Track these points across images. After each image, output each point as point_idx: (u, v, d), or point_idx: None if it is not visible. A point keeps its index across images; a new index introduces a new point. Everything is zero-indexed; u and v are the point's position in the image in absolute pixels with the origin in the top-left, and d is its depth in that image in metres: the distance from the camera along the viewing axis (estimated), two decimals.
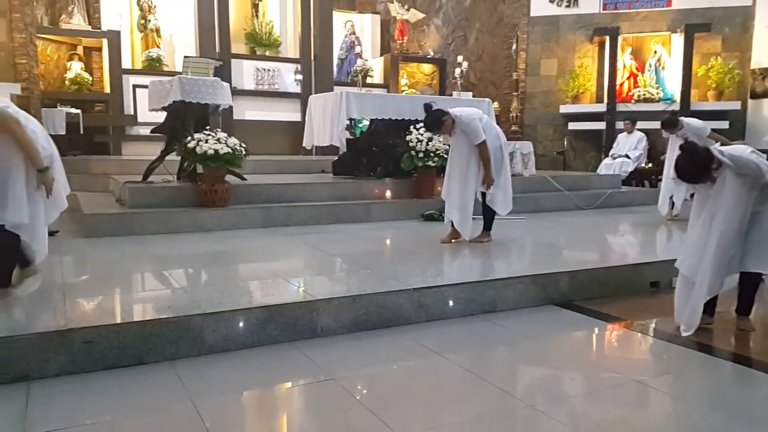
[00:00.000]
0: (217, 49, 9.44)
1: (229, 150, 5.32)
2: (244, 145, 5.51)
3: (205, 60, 6.51)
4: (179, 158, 5.90)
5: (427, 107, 4.75)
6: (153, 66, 9.50)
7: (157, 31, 9.76)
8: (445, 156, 6.29)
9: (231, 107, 7.06)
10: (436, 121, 4.65)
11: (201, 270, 3.92)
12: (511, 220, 6.23)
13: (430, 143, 6.25)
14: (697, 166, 3.03)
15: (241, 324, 2.84)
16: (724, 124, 9.95)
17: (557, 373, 2.80)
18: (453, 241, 4.88)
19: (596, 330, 3.42)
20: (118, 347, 2.60)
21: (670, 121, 6.10)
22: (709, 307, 3.25)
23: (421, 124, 6.36)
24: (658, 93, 10.73)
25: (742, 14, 10.44)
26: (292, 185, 6.20)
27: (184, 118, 5.83)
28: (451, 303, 3.41)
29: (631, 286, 4.05)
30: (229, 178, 5.69)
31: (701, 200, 3.18)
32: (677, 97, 10.58)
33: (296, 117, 9.79)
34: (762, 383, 2.64)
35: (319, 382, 2.53)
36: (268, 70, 10.05)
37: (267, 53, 10.25)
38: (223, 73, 8.27)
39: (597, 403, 2.43)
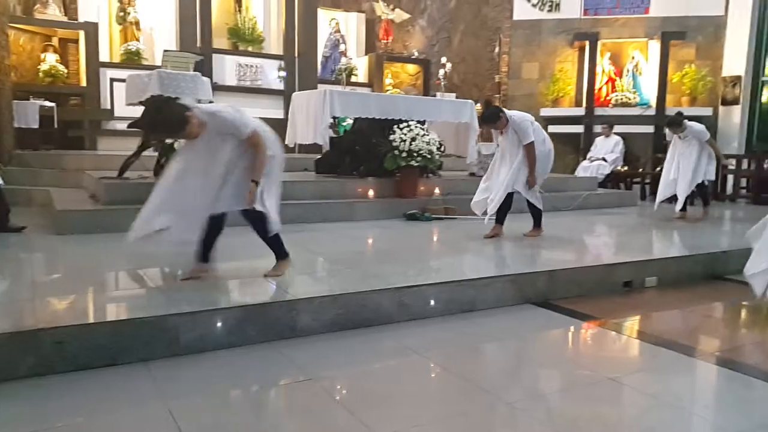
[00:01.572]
0: (198, 44, 9.32)
1: None
2: None
3: (186, 54, 6.42)
4: (156, 154, 5.80)
5: (488, 103, 4.97)
6: (132, 59, 9.34)
7: (137, 24, 9.61)
8: (428, 156, 6.32)
9: (212, 103, 6.96)
10: (494, 115, 4.95)
11: (177, 268, 3.84)
12: (491, 219, 6.25)
13: (413, 143, 6.24)
14: None
15: (218, 324, 2.80)
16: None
17: (534, 371, 2.84)
18: (495, 236, 5.11)
19: (572, 328, 3.47)
20: (89, 348, 2.54)
21: (676, 122, 6.50)
22: None
23: (405, 124, 6.39)
24: (634, 98, 10.89)
25: (714, 24, 10.64)
26: None
27: None
28: (431, 302, 3.41)
29: (605, 286, 4.11)
30: None
31: None
32: (653, 102, 10.75)
33: (279, 114, 9.71)
34: (731, 380, 2.67)
35: (298, 383, 2.50)
36: (251, 66, 9.95)
37: (250, 49, 10.15)
38: (204, 68, 8.17)
39: (572, 400, 2.45)
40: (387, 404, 2.32)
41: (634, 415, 2.36)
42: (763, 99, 10.57)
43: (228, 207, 3.26)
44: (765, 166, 9.22)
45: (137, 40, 9.56)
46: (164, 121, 3.07)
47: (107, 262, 3.98)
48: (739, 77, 10.48)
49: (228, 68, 9.79)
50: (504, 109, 5.01)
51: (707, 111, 10.42)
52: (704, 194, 6.94)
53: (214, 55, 9.59)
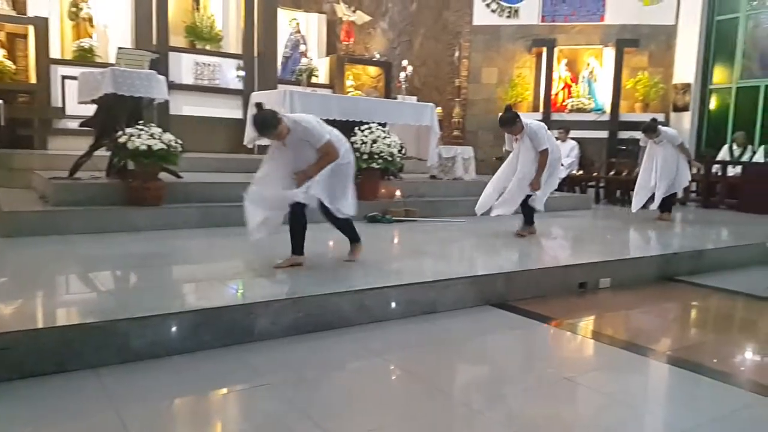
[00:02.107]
0: (154, 42, 9.10)
1: (164, 146, 5.13)
2: (180, 142, 5.32)
3: (141, 52, 6.26)
4: (109, 153, 5.65)
5: (508, 108, 5.48)
6: (84, 57, 9.05)
7: (90, 20, 9.32)
8: (389, 158, 6.32)
9: (167, 101, 6.82)
10: (511, 119, 5.28)
11: (130, 272, 3.75)
12: (451, 222, 6.30)
13: (374, 145, 6.23)
14: None
15: (171, 329, 2.72)
16: (640, 136, 10.42)
17: (493, 372, 2.87)
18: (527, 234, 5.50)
19: (529, 329, 3.52)
20: (36, 354, 2.44)
21: (651, 127, 6.87)
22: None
23: (366, 126, 6.38)
24: (590, 103, 11.16)
25: (666, 33, 10.99)
26: (231, 184, 6.01)
27: (116, 112, 5.58)
28: (392, 305, 3.40)
29: (561, 287, 4.19)
30: (163, 175, 5.48)
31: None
32: (607, 107, 11.03)
33: (237, 114, 9.55)
34: (682, 379, 2.75)
35: (255, 388, 2.45)
36: (209, 64, 9.77)
37: (208, 47, 9.95)
38: (160, 66, 7.97)
39: (530, 400, 2.48)
40: (346, 408, 2.30)
41: (590, 413, 2.40)
42: (711, 106, 10.96)
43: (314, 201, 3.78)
44: (713, 171, 9.54)
45: (90, 36, 9.27)
46: (262, 120, 3.56)
47: (57, 265, 3.84)
48: (688, 85, 10.84)
49: (185, 67, 9.58)
50: (520, 117, 5.31)
51: (659, 117, 10.73)
52: (671, 200, 7.30)
53: (171, 54, 9.37)
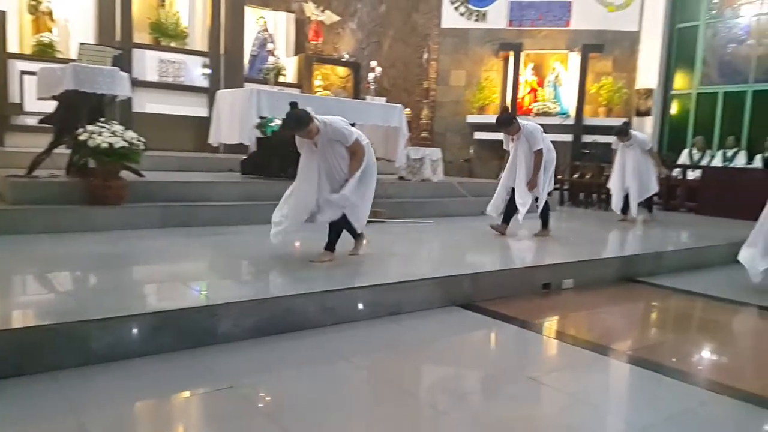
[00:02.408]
0: (118, 38, 8.91)
1: (126, 144, 5.02)
2: (143, 140, 5.21)
3: (103, 48, 6.11)
4: (69, 151, 5.50)
5: (504, 109, 5.87)
6: (44, 52, 8.80)
7: (50, 14, 9.07)
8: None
9: (130, 99, 6.69)
10: (507, 120, 5.53)
11: (90, 273, 3.65)
12: (418, 223, 6.32)
13: None
14: None
15: (131, 331, 2.66)
16: (613, 139, 10.63)
17: (459, 373, 2.88)
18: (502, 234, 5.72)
19: (494, 329, 3.55)
20: None
21: (623, 131, 7.17)
22: None
23: None
24: (555, 107, 11.33)
25: (629, 38, 11.24)
26: (196, 183, 5.95)
27: (77, 109, 5.43)
28: (358, 306, 3.39)
29: (526, 288, 4.24)
30: (125, 174, 5.36)
31: None
32: (572, 112, 11.21)
33: (203, 112, 9.41)
34: (642, 378, 2.80)
35: (217, 391, 2.41)
36: (174, 62, 9.60)
37: (173, 44, 9.79)
38: (124, 62, 7.80)
39: (495, 400, 2.52)
40: (311, 411, 2.28)
41: (554, 413, 2.43)
42: (673, 111, 11.24)
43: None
44: (674, 174, 9.78)
45: (50, 31, 9.03)
46: (296, 117, 3.77)
47: (13, 265, 3.72)
48: (651, 90, 11.10)
49: (149, 64, 9.40)
50: (517, 118, 5.55)
51: (622, 121, 10.95)
52: (649, 204, 7.62)
53: (135, 50, 9.19)
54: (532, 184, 5.56)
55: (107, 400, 2.29)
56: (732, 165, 9.69)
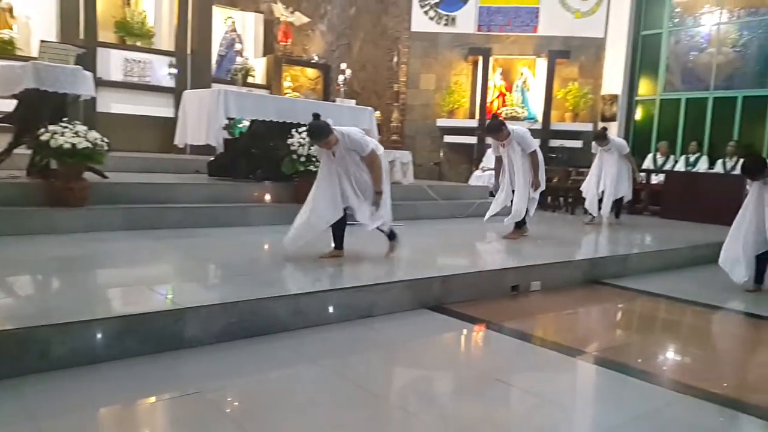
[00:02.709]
0: (82, 36, 8.72)
1: (89, 144, 4.90)
2: (106, 140, 5.10)
3: (66, 46, 5.97)
4: (30, 152, 5.35)
5: (494, 116, 6.13)
6: (4, 49, 8.56)
7: (10, 10, 8.83)
8: None
9: (94, 99, 6.54)
10: (497, 126, 5.67)
11: (52, 276, 3.55)
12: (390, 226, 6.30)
13: (312, 148, 6.17)
14: (763, 166, 4.54)
15: (94, 336, 2.59)
16: (578, 144, 10.87)
17: (428, 375, 2.89)
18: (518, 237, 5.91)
19: (464, 331, 3.57)
20: None
21: (602, 135, 7.40)
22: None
23: (303, 128, 6.31)
24: (523, 112, 11.46)
25: (595, 45, 11.45)
26: (161, 185, 5.84)
27: (38, 108, 5.29)
28: (329, 309, 3.37)
29: (495, 290, 4.27)
30: (88, 175, 5.23)
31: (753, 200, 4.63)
32: (539, 116, 11.36)
33: (169, 113, 9.26)
34: (608, 378, 2.85)
35: (183, 396, 2.36)
36: (139, 61, 9.44)
37: (138, 44, 9.63)
38: (87, 61, 7.64)
39: (464, 402, 2.52)
40: (279, 415, 2.25)
41: (522, 414, 2.45)
42: (637, 117, 11.48)
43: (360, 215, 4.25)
44: (638, 179, 9.97)
45: (10, 28, 8.79)
46: (318, 128, 4.04)
47: None
48: (616, 96, 11.32)
49: (114, 63, 9.22)
50: (506, 124, 5.68)
51: (588, 126, 11.18)
52: (618, 205, 7.81)
53: (99, 49, 9.00)
54: (536, 184, 5.76)
55: (69, 406, 2.22)
56: (694, 169, 9.94)
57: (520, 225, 5.99)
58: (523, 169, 5.72)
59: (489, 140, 6.10)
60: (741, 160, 9.33)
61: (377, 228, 4.38)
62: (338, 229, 4.35)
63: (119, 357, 2.63)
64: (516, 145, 5.68)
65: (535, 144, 5.75)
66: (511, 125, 5.77)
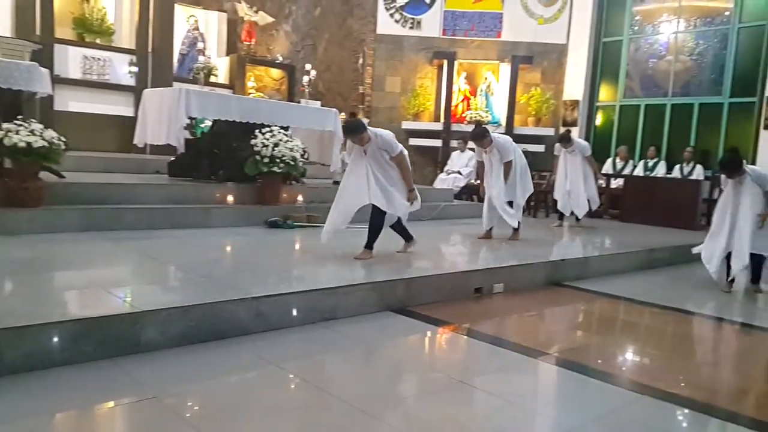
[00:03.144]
0: (38, 32, 8.47)
1: (45, 143, 4.76)
2: (64, 139, 4.96)
3: (21, 42, 5.82)
4: None
5: (478, 123, 6.63)
6: None
7: None
8: (291, 163, 6.24)
9: (51, 96, 6.36)
10: (481, 134, 5.94)
11: (5, 279, 3.43)
12: (354, 228, 6.30)
13: (276, 149, 6.11)
14: (740, 165, 4.80)
15: (50, 339, 2.51)
16: (541, 148, 11.04)
17: (391, 377, 2.88)
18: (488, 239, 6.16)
19: (428, 334, 3.58)
20: None
21: (567, 138, 7.59)
22: None
23: (268, 129, 6.26)
24: (487, 116, 11.57)
25: (557, 51, 11.65)
26: (120, 185, 5.71)
27: None
28: (291, 312, 3.33)
29: (459, 292, 4.30)
30: (44, 175, 5.08)
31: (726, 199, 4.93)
32: (503, 120, 11.50)
33: (129, 112, 9.06)
34: (569, 379, 2.88)
35: (140, 402, 2.30)
36: (99, 59, 9.21)
37: (98, 41, 9.39)
38: (44, 58, 7.43)
39: (427, 404, 2.51)
40: (240, 420, 2.21)
41: (484, 415, 2.46)
42: (598, 122, 11.72)
43: (387, 208, 4.63)
44: (599, 181, 10.17)
45: None
46: (354, 125, 4.60)
47: None
48: (577, 101, 11.53)
49: (72, 60, 8.98)
50: (490, 132, 6.00)
51: (550, 131, 11.36)
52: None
53: (57, 46, 8.75)
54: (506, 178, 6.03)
55: (23, 412, 2.15)
56: (653, 174, 10.19)
57: (516, 228, 6.27)
58: (501, 178, 6.00)
59: (471, 145, 6.46)
60: (697, 166, 9.65)
61: (392, 227, 4.86)
62: (377, 227, 4.71)
63: (75, 361, 2.55)
64: (496, 152, 5.96)
65: (513, 154, 6.01)
66: (495, 134, 6.07)
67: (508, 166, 5.98)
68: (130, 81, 9.34)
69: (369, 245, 4.68)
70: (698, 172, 9.65)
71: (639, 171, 10.41)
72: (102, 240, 4.68)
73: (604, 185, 10.11)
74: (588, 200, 7.78)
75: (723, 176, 5.00)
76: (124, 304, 2.96)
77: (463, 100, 11.75)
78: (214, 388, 2.53)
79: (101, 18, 9.45)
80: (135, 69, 9.34)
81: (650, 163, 10.42)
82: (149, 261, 4.12)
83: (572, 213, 7.85)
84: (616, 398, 2.65)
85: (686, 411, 2.57)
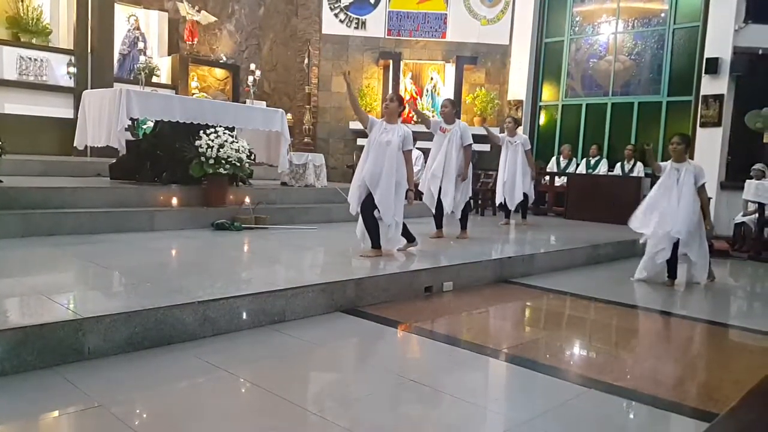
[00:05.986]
0: None
1: None
2: (1, 142, 4.75)
3: None
4: None
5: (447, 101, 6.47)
6: None
7: None
8: (237, 164, 6.14)
9: None
10: (449, 102, 6.22)
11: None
12: (302, 229, 6.27)
13: (221, 150, 6.01)
14: (686, 149, 5.24)
15: None
16: (487, 147, 11.22)
17: (343, 378, 2.88)
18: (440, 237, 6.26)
19: (378, 333, 3.58)
20: None
21: (518, 121, 8.21)
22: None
23: (212, 130, 6.15)
24: (433, 116, 11.68)
25: (501, 51, 11.89)
26: (60, 189, 5.50)
27: None
28: (239, 315, 3.28)
29: (409, 291, 4.34)
30: None
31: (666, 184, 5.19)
32: None
33: (68, 113, 8.74)
34: (518, 375, 2.95)
35: (85, 410, 2.23)
36: (35, 59, 8.83)
37: (34, 41, 9.01)
38: None
39: (379, 404, 2.52)
40: (189, 426, 2.17)
41: (437, 413, 2.49)
42: (541, 121, 12.01)
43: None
44: (543, 181, 10.44)
45: None
46: (398, 98, 5.10)
47: None
48: (521, 101, 11.79)
49: (7, 61, 8.58)
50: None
51: (495, 131, 11.51)
52: (523, 206, 8.18)
53: None
54: (464, 176, 6.11)
55: None
56: (595, 172, 10.52)
57: (465, 225, 6.33)
58: (456, 158, 6.04)
59: (419, 144, 6.45)
60: (638, 163, 10.01)
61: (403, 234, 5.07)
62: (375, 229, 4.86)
63: (16, 371, 2.46)
64: (458, 133, 6.04)
65: (471, 140, 6.13)
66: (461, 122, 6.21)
67: (467, 151, 6.09)
68: (69, 82, 9.02)
69: (375, 244, 4.87)
70: (639, 170, 10.02)
71: (582, 169, 10.73)
72: (42, 245, 4.50)
73: (547, 184, 10.37)
74: (525, 194, 7.95)
75: (662, 163, 5.30)
76: (67, 311, 2.85)
77: (409, 100, 11.79)
78: (163, 395, 2.48)
79: (37, 17, 9.08)
80: (74, 70, 9.02)
81: (592, 161, 10.75)
82: (92, 266, 3.98)
83: (507, 208, 8.04)
84: (564, 392, 2.72)
85: (632, 402, 2.65)
